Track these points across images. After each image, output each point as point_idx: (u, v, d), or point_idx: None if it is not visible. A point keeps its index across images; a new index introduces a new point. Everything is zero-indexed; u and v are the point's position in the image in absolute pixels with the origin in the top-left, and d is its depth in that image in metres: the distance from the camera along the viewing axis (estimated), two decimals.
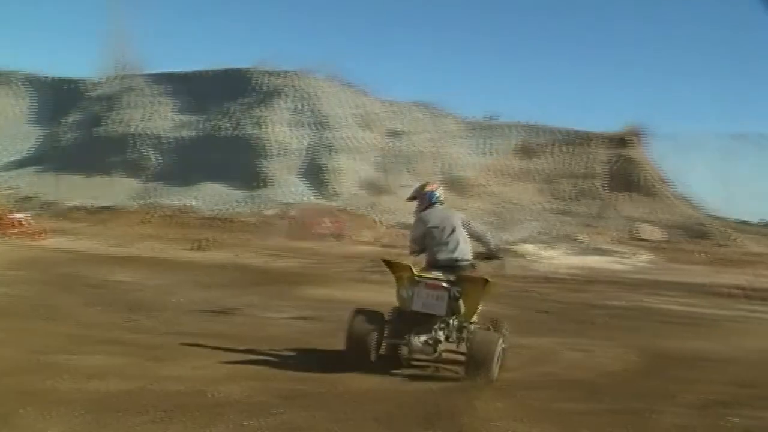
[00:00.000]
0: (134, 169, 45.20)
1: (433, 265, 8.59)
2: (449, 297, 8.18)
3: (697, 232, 45.17)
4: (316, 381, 7.74)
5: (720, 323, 15.46)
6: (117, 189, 42.89)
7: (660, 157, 51.42)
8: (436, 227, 8.76)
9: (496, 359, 8.04)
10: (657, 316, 16.17)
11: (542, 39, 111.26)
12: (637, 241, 43.69)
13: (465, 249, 8.74)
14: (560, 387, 8.29)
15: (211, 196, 41.25)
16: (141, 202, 40.51)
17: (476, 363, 7.93)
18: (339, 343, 10.01)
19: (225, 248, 27.27)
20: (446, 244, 8.70)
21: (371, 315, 8.54)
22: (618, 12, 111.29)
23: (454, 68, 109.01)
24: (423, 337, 8.15)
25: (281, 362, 8.60)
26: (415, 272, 8.35)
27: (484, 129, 52.04)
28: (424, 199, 9.14)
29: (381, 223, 39.11)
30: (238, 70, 47.50)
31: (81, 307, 12.07)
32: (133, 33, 67.42)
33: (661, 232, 45.51)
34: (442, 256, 8.62)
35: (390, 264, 8.70)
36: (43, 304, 11.90)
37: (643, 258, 36.57)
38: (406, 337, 8.16)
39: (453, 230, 8.77)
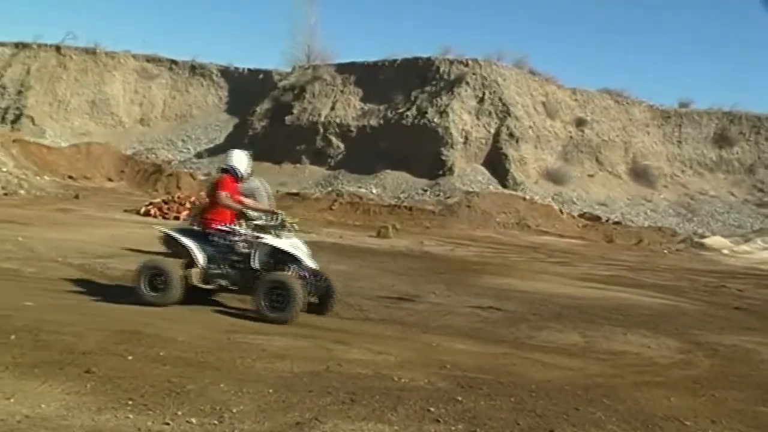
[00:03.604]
0: (320, 156, 46.46)
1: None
2: None
3: None
4: (499, 370, 7.69)
5: None
6: (304, 176, 44.28)
7: None
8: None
9: None
10: None
11: (740, 19, 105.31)
12: None
13: None
14: (759, 389, 7.82)
15: (393, 184, 41.84)
16: (326, 188, 41.62)
17: None
18: (517, 334, 9.88)
19: (407, 235, 27.59)
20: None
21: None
22: None
23: (644, 53, 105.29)
24: None
25: (463, 351, 8.59)
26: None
27: (676, 117, 50.02)
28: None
29: (565, 212, 38.37)
30: (422, 59, 47.81)
31: None
32: (321, 24, 69.50)
33: None
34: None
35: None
36: None
37: None
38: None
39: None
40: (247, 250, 9.92)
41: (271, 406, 5.72)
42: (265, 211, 10.47)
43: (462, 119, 44.25)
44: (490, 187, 40.96)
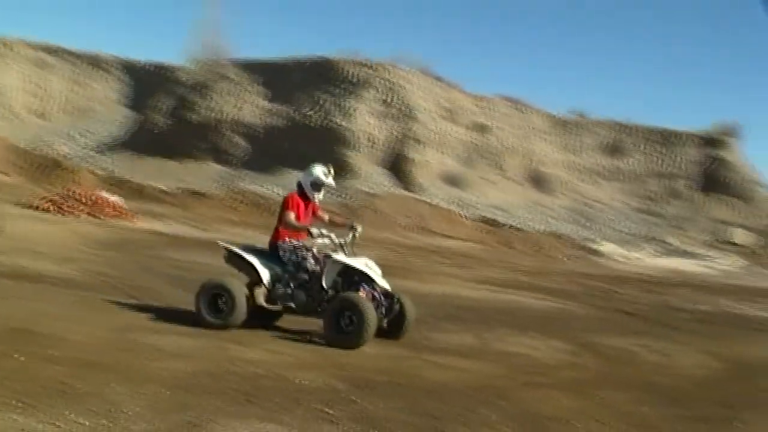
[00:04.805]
0: (222, 155, 45.85)
1: None
2: None
3: None
4: (396, 372, 7.80)
5: None
6: (205, 174, 43.63)
7: (755, 158, 49.77)
8: None
9: None
10: (745, 322, 15.74)
11: (634, 34, 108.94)
12: (728, 245, 42.56)
13: None
14: (641, 390, 8.16)
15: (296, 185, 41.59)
16: (227, 187, 41.16)
17: None
18: (415, 336, 10.01)
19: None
20: None
21: None
22: (709, 8, 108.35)
23: (543, 63, 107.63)
24: None
25: (361, 352, 8.68)
26: None
27: (572, 126, 51.33)
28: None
29: (464, 217, 38.96)
30: (328, 60, 47.77)
31: (167, 288, 12.38)
32: (225, 20, 68.63)
33: (754, 237, 44.20)
34: None
35: None
36: (132, 285, 12.24)
37: (734, 263, 35.62)
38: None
39: None
40: (316, 268, 9.33)
41: (165, 407, 5.68)
42: (343, 225, 9.87)
43: (367, 122, 44.44)
44: (393, 190, 41.27)
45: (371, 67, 46.69)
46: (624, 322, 14.31)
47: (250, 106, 47.32)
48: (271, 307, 9.39)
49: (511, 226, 38.17)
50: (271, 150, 43.87)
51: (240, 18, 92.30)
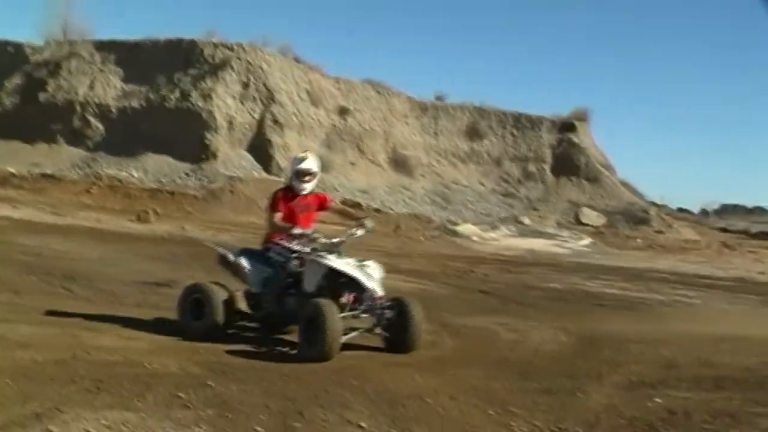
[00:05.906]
0: (77, 137, 44.23)
1: None
2: None
3: (637, 218, 46.14)
4: (253, 356, 7.78)
5: (652, 307, 15.81)
6: (59, 157, 42.01)
7: (604, 142, 52.10)
8: None
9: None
10: (593, 299, 16.46)
11: (493, 20, 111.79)
12: (579, 225, 44.50)
13: None
14: (494, 366, 8.43)
15: (155, 168, 40.67)
16: (83, 171, 39.79)
17: None
18: None
19: (168, 220, 27.01)
20: None
21: None
22: None
23: (404, 47, 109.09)
24: None
25: (219, 336, 8.60)
26: None
27: (432, 109, 52.17)
28: None
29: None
30: (186, 41, 46.66)
31: (16, 276, 11.89)
32: None
33: (602, 217, 46.39)
34: None
35: None
36: None
37: (584, 242, 37.18)
38: None
39: None
40: (302, 271, 8.49)
41: (7, 398, 5.47)
42: (353, 217, 9.27)
43: (226, 104, 43.80)
44: (254, 173, 40.89)
45: (230, 48, 45.98)
46: (482, 301, 14.74)
47: (105, 87, 45.76)
48: (255, 312, 8.79)
49: (372, 208, 38.51)
50: (128, 132, 42.64)
51: None
